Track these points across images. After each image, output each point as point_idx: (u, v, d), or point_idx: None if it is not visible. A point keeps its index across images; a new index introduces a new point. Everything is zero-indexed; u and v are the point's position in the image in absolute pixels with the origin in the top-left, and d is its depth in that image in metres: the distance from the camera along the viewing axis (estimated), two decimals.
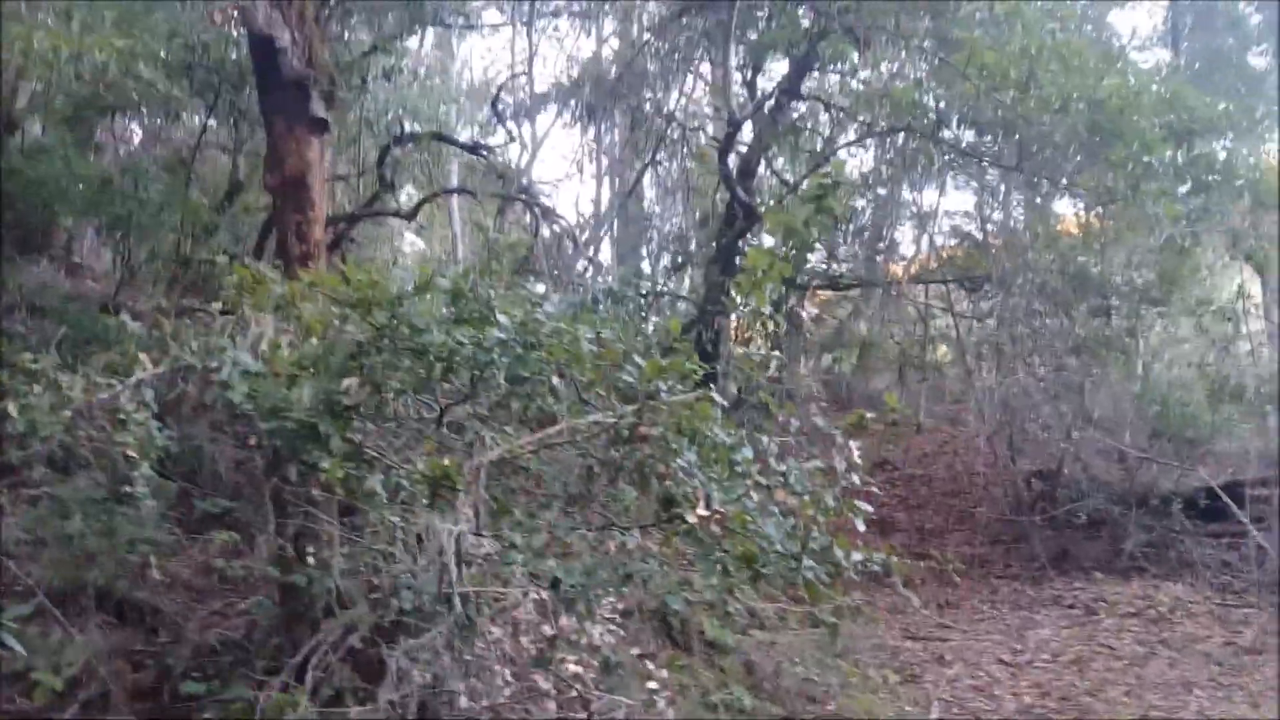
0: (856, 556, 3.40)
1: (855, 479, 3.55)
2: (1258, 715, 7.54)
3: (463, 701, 4.24)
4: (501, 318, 3.50)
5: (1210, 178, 10.53)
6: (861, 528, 3.41)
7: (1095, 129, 10.34)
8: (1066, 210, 14.80)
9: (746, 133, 13.93)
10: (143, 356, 4.28)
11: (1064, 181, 11.92)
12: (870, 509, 3.44)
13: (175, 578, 6.51)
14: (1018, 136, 11.31)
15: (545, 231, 11.83)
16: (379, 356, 3.57)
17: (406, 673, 3.98)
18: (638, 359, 3.72)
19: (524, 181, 13.00)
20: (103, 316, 6.19)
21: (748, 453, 3.58)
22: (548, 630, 4.35)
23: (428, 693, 4.20)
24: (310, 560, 4.71)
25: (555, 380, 3.71)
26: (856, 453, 3.56)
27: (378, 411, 3.75)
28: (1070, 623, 10.09)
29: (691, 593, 6.61)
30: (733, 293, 3.57)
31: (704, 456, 3.69)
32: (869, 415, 3.59)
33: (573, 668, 4.25)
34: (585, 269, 13.08)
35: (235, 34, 8.81)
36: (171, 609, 5.91)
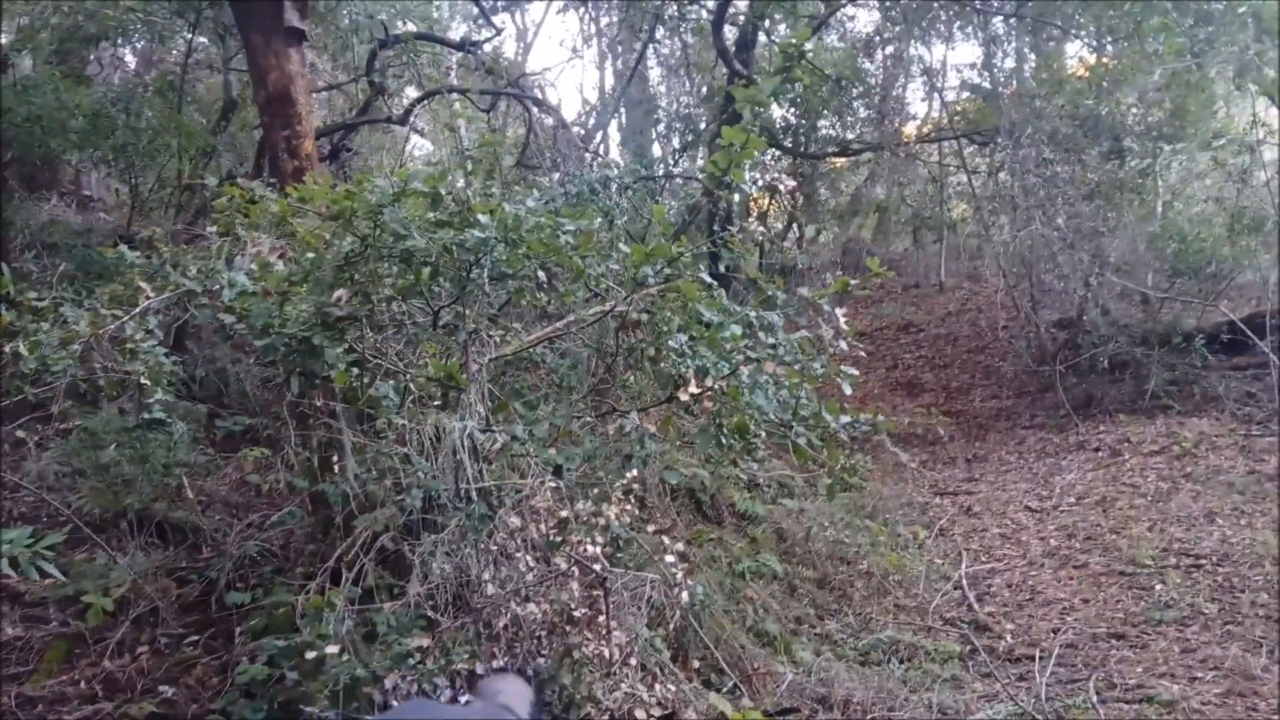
0: (844, 419, 3.48)
1: (843, 345, 3.60)
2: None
3: (489, 589, 4.41)
4: (481, 217, 3.52)
5: (1213, 7, 10.22)
6: (848, 391, 3.48)
7: None
8: (1074, 54, 14.48)
9: (745, 4, 13.63)
10: (144, 285, 4.35)
11: (1066, 24, 11.60)
12: (857, 373, 3.50)
13: (213, 495, 6.72)
14: None
15: (546, 123, 11.72)
16: (365, 266, 3.62)
17: (429, 566, 4.14)
18: (622, 246, 3.74)
19: (518, 75, 12.79)
20: (105, 250, 6.29)
21: (736, 329, 3.62)
22: (564, 515, 4.49)
23: (457, 584, 4.37)
24: (336, 469, 4.85)
25: (540, 274, 3.75)
26: (843, 319, 3.60)
27: (371, 319, 3.81)
28: (1095, 465, 10.21)
29: (693, 466, 6.74)
30: (706, 170, 3.57)
31: (696, 336, 3.75)
32: (853, 281, 3.62)
33: (590, 548, 4.39)
34: (591, 158, 12.94)
35: None
36: (211, 526, 6.10)
